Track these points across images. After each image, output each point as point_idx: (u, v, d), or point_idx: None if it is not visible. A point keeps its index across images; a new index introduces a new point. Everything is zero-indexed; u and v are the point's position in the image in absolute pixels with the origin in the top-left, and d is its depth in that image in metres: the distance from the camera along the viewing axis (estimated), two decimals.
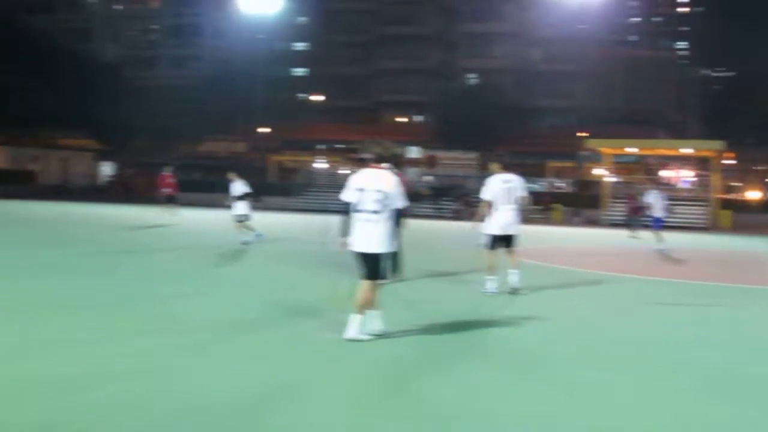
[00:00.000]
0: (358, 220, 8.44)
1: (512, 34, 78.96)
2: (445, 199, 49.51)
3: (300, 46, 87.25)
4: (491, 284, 12.48)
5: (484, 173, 43.14)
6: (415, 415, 6.18)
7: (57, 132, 72.43)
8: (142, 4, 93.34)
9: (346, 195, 8.52)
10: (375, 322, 8.65)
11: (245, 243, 20.15)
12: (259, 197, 49.69)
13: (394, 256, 8.56)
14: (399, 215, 8.40)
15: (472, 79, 79.04)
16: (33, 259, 15.87)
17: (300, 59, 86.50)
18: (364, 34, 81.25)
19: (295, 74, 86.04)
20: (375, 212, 8.34)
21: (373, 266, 8.43)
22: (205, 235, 22.17)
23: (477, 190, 14.23)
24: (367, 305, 8.50)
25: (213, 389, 6.57)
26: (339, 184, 44.73)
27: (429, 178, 57.89)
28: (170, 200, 29.88)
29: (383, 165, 8.67)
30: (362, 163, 8.78)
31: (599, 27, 77.82)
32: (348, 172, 56.22)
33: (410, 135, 71.25)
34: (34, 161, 66.54)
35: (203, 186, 54.77)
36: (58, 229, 25.84)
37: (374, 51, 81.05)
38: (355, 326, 8.39)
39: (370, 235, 8.38)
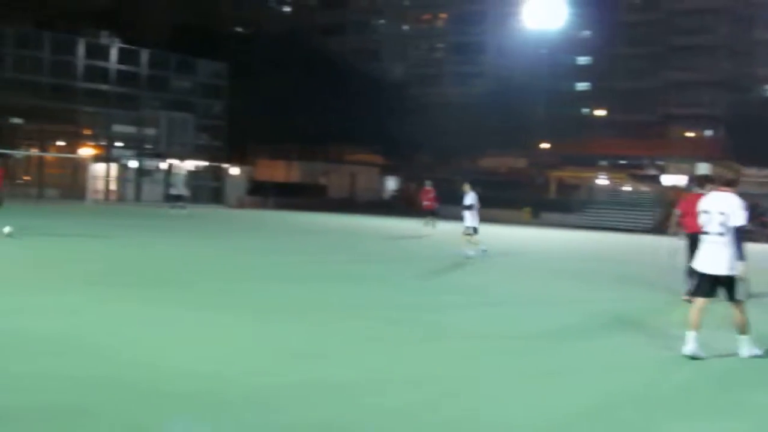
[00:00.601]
0: (705, 242, 8.64)
1: None
2: None
3: (583, 60, 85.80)
4: None
5: None
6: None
7: (345, 148, 76.09)
8: (428, 23, 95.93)
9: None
10: (745, 346, 8.64)
11: (468, 257, 19.73)
12: (537, 212, 49.55)
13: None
14: (740, 236, 8.36)
15: None
16: (321, 266, 16.55)
17: (583, 73, 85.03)
18: (651, 46, 78.36)
19: (578, 89, 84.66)
20: (720, 234, 8.44)
21: (726, 287, 8.50)
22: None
23: None
24: (740, 327, 8.62)
25: (518, 405, 6.31)
26: (621, 200, 43.03)
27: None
28: (431, 213, 31.02)
29: (728, 188, 8.75)
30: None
31: None
32: (629, 189, 54.60)
33: (699, 150, 67.80)
34: (325, 176, 70.14)
35: (483, 201, 55.23)
36: (343, 238, 27.01)
37: (661, 63, 77.98)
38: (692, 342, 8.40)
39: (717, 256, 8.46)
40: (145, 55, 49.14)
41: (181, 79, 51.64)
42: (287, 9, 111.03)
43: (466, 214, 20.31)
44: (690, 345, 8.35)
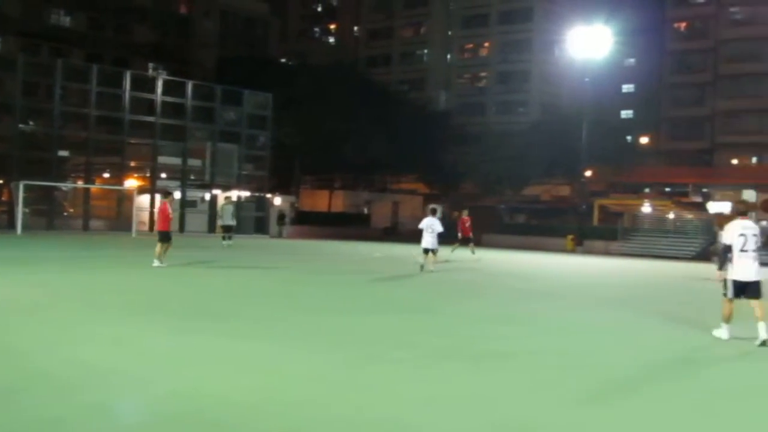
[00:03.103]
0: (742, 258, 10.79)
1: None
2: None
3: (628, 87, 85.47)
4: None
5: None
6: None
7: (389, 177, 76.35)
8: (473, 53, 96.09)
9: None
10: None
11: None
12: (580, 240, 49.13)
13: None
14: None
15: None
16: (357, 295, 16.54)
17: (628, 101, 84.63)
18: (699, 74, 77.66)
19: (623, 117, 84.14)
20: (754, 251, 10.83)
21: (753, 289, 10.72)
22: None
23: None
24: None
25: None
26: (665, 228, 42.40)
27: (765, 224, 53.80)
28: (465, 241, 32.10)
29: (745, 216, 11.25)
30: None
31: None
32: (674, 216, 53.94)
33: (748, 178, 67.04)
34: (368, 204, 70.40)
35: (526, 229, 55.07)
36: (386, 265, 26.93)
37: (709, 91, 77.21)
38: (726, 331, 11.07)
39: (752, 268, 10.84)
40: (190, 87, 49.67)
41: (226, 110, 52.01)
42: (332, 40, 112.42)
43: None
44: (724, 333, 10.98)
